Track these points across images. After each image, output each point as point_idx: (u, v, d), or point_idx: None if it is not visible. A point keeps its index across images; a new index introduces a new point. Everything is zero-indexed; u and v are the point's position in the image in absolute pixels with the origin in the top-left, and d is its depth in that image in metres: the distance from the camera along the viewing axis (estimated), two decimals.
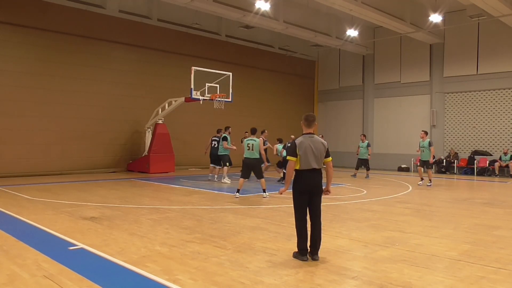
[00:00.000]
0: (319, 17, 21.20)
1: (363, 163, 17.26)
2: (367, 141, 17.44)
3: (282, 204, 9.72)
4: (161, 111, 17.79)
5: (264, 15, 17.56)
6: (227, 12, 17.45)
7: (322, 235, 5.37)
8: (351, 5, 16.36)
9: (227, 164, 14.35)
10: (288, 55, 25.14)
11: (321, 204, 5.44)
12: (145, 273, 4.56)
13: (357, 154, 17.59)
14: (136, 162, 18.10)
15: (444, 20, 19.16)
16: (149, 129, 18.27)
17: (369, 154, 17.20)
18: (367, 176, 16.93)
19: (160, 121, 17.86)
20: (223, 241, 5.99)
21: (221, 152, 14.29)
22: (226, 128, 14.50)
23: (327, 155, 5.41)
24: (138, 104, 18.67)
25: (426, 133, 14.60)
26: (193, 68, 15.77)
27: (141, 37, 18.81)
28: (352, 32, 19.77)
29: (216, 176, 14.85)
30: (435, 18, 17.52)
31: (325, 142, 5.48)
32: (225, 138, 14.09)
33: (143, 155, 18.04)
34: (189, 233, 6.52)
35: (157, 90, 19.00)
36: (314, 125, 5.50)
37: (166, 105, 17.59)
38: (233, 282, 4.31)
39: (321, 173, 5.39)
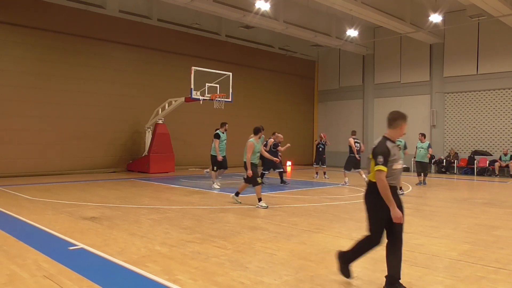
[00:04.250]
0: (319, 17, 21.20)
1: (423, 167, 14.44)
2: (427, 142, 14.80)
3: (282, 204, 9.73)
4: (161, 111, 17.79)
5: (264, 15, 17.56)
6: (227, 12, 17.45)
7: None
8: (351, 5, 16.35)
9: (214, 167, 12.48)
10: (288, 55, 25.14)
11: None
12: (145, 273, 4.55)
13: (414, 157, 15.02)
14: (136, 162, 18.10)
15: (444, 20, 19.14)
16: (149, 129, 18.26)
17: (430, 156, 14.88)
18: (424, 183, 14.40)
19: (160, 121, 17.86)
20: (223, 241, 5.98)
21: (213, 151, 12.47)
22: (222, 125, 12.81)
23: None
24: (138, 104, 18.66)
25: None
26: (193, 68, 15.76)
27: (141, 37, 18.81)
28: (352, 32, 19.78)
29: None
30: (435, 18, 17.52)
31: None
32: (217, 135, 12.40)
33: (143, 155, 18.03)
34: (189, 233, 6.52)
35: (157, 90, 18.99)
36: (396, 125, 4.29)
37: (166, 105, 17.58)
38: (233, 282, 4.31)
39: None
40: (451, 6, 18.50)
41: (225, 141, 12.47)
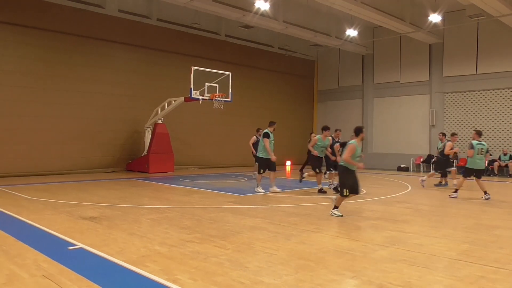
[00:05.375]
0: (319, 17, 21.21)
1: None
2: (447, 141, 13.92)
3: (281, 204, 9.73)
4: (161, 111, 17.79)
5: (263, 15, 17.57)
6: (226, 12, 17.46)
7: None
8: (351, 5, 16.36)
9: (261, 170, 11.51)
10: (287, 55, 25.14)
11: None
12: (144, 273, 4.55)
13: (437, 156, 14.41)
14: (135, 162, 18.10)
15: (443, 20, 19.15)
16: (149, 129, 18.27)
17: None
18: (445, 184, 13.81)
19: (160, 121, 17.86)
20: (223, 241, 5.98)
21: (259, 153, 11.56)
22: (271, 124, 11.73)
23: None
24: (138, 104, 18.66)
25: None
26: (193, 67, 15.78)
27: (141, 37, 18.81)
28: (351, 32, 19.80)
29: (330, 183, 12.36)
30: (435, 18, 17.54)
31: None
32: (266, 135, 11.39)
33: (143, 155, 18.03)
34: (189, 233, 6.52)
35: (157, 90, 18.99)
36: None
37: (166, 104, 17.59)
38: (233, 282, 4.31)
39: None
40: (450, 6, 18.50)
41: (273, 141, 11.52)
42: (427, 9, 17.71)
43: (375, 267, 4.88)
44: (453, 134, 13.86)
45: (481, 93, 20.27)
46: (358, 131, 8.10)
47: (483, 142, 11.01)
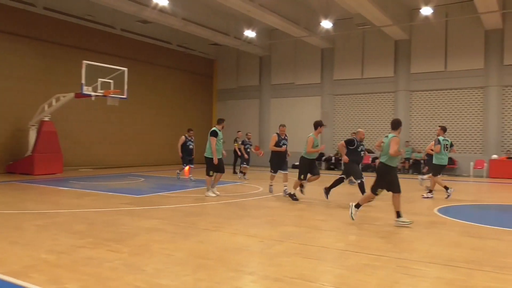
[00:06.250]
0: (219, 16, 21.33)
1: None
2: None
3: (180, 204, 9.61)
4: (48, 108, 16.39)
5: (162, 10, 17.17)
6: (122, 4, 16.72)
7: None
8: (249, 6, 16.75)
9: (210, 172, 10.56)
10: (187, 53, 24.88)
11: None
12: (28, 284, 4.15)
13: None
14: (17, 163, 16.45)
15: (334, 27, 20.52)
16: (34, 127, 16.71)
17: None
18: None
19: (47, 118, 16.45)
20: (118, 245, 5.72)
21: (207, 153, 10.51)
22: (219, 121, 10.92)
23: None
24: (22, 100, 16.97)
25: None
26: (84, 62, 14.83)
27: (25, 27, 17.12)
28: (249, 33, 20.25)
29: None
30: (326, 24, 18.71)
31: None
32: (214, 133, 10.43)
33: (26, 155, 16.44)
34: (80, 238, 6.11)
35: (44, 85, 17.47)
36: None
37: (54, 101, 16.25)
38: (128, 286, 4.14)
39: None
40: (341, 14, 19.88)
41: (222, 140, 10.64)
42: (319, 16, 18.80)
43: (272, 261, 5.06)
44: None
45: (366, 96, 22.15)
46: (397, 125, 7.50)
47: (447, 138, 11.13)
